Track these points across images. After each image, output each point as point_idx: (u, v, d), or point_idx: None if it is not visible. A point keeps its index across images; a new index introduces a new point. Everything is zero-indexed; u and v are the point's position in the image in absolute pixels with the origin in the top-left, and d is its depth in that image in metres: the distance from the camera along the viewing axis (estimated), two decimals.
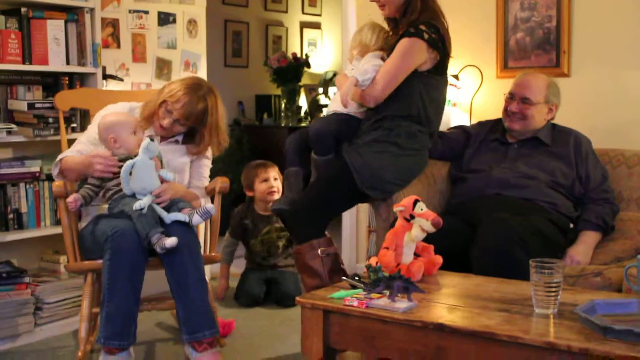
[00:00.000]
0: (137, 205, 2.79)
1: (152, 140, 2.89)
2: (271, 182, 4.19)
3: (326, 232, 3.11)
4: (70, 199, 2.93)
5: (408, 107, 3.07)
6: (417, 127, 3.11)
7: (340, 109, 3.18)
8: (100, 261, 2.85)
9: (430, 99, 3.12)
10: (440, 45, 3.06)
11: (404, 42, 3.04)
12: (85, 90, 3.62)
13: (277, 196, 4.15)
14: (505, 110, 3.29)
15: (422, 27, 3.03)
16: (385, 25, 3.26)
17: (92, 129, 3.17)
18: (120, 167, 2.89)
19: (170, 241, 2.75)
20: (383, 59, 3.14)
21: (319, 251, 3.01)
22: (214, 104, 3.13)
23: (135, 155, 2.89)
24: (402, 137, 3.08)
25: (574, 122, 3.37)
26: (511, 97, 3.28)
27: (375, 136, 3.08)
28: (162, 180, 2.93)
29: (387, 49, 3.19)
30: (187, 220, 2.88)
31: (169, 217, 2.88)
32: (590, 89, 3.83)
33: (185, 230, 2.89)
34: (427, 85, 3.10)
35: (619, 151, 3.32)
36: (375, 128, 3.11)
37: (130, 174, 2.86)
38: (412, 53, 3.03)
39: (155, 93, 3.20)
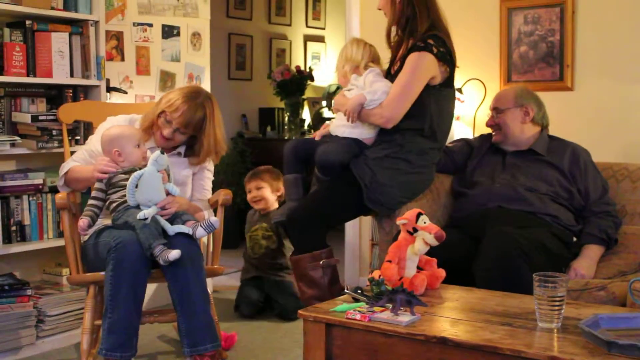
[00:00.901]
0: (141, 214, 2.79)
1: (162, 152, 2.89)
2: (253, 193, 4.26)
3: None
4: (80, 225, 2.92)
5: (420, 121, 3.07)
6: (429, 143, 3.11)
7: (347, 133, 3.13)
8: (102, 273, 2.85)
9: (440, 112, 3.12)
10: (449, 58, 3.07)
11: (413, 58, 3.02)
12: (88, 103, 3.63)
13: (262, 204, 4.24)
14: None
15: (430, 41, 3.03)
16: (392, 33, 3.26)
17: (92, 142, 3.18)
18: (125, 179, 2.90)
19: (174, 254, 2.74)
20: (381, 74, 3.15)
21: (321, 262, 3.01)
22: (212, 111, 3.14)
23: (141, 168, 2.89)
24: (414, 154, 3.08)
25: (577, 136, 3.37)
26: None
27: (387, 152, 3.07)
28: (167, 194, 2.93)
29: (377, 61, 3.20)
30: (190, 232, 2.88)
31: (172, 229, 2.87)
32: (593, 102, 3.83)
33: (189, 242, 2.88)
34: (439, 98, 3.10)
35: (623, 165, 3.31)
36: (386, 141, 3.09)
37: (136, 186, 2.86)
38: (423, 68, 3.02)
39: (154, 104, 3.21)
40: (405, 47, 3.14)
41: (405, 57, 3.08)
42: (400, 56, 3.15)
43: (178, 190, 2.96)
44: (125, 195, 2.89)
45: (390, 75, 3.18)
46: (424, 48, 3.02)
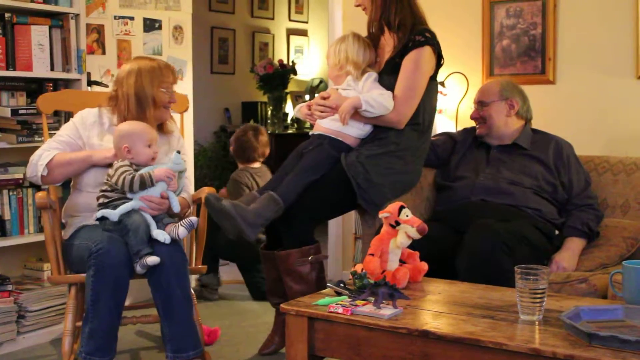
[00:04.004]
0: (108, 213, 2.80)
1: (178, 152, 2.92)
2: None
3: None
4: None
5: (416, 116, 3.07)
6: (422, 139, 3.12)
7: (336, 127, 3.08)
8: (84, 275, 2.80)
9: (429, 105, 3.14)
10: (441, 52, 3.09)
11: (414, 54, 3.02)
12: (68, 92, 3.55)
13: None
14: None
15: (428, 35, 3.04)
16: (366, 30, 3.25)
17: (65, 131, 3.07)
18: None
19: (152, 259, 2.73)
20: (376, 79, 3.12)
21: (310, 258, 2.99)
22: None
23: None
24: (408, 152, 3.08)
25: (559, 129, 3.39)
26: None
27: (382, 150, 3.05)
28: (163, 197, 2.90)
29: (373, 61, 3.17)
30: (167, 241, 2.83)
31: (154, 233, 2.83)
32: (575, 95, 3.85)
33: (172, 248, 2.82)
34: (428, 91, 3.10)
35: (604, 158, 3.34)
36: (380, 138, 3.07)
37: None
38: (425, 62, 3.03)
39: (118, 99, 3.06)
40: (395, 42, 3.11)
41: (400, 54, 3.06)
42: (391, 55, 3.12)
43: (178, 207, 2.92)
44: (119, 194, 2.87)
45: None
46: (424, 42, 3.02)
